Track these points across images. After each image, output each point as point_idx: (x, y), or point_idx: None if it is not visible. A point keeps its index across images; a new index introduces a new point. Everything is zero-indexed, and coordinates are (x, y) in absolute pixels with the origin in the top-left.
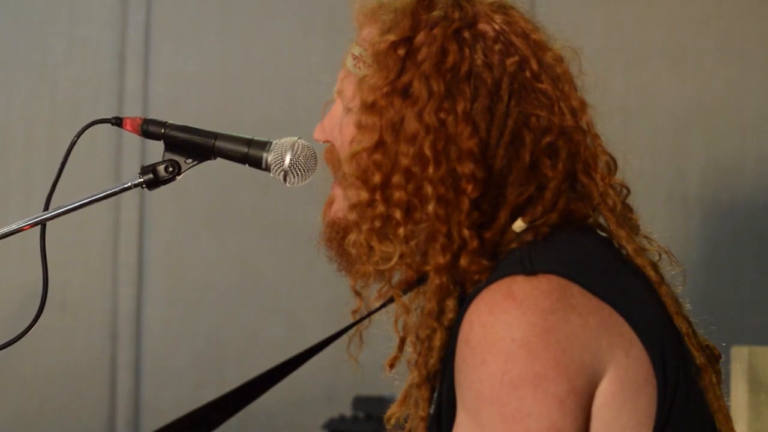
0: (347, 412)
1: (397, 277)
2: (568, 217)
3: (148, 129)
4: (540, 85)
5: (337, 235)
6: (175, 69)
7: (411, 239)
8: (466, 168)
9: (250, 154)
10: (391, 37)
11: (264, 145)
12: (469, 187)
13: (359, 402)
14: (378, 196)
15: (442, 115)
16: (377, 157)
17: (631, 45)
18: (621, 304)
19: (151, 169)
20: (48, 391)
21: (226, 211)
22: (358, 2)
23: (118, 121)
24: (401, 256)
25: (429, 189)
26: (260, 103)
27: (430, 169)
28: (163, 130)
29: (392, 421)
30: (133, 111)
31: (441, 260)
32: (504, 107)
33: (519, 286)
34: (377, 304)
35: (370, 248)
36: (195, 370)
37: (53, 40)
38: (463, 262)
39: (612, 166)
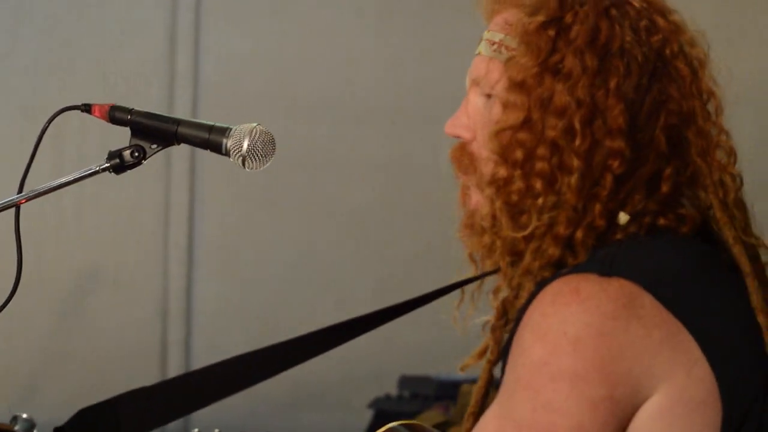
0: (393, 391)
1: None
2: (676, 216)
3: (115, 115)
4: (678, 64)
5: (477, 220)
6: (226, 50)
7: (548, 211)
8: (616, 144)
9: (210, 139)
10: (540, 18)
11: (224, 131)
12: (615, 163)
13: (405, 381)
14: (517, 173)
15: (594, 90)
16: (521, 134)
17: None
18: (694, 321)
19: (118, 153)
20: (101, 369)
21: (276, 191)
22: None
23: (87, 108)
24: (535, 227)
25: (574, 161)
26: (312, 84)
27: (577, 142)
28: (129, 117)
29: (464, 371)
30: (183, 93)
31: (562, 231)
32: (647, 85)
33: (588, 284)
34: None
35: (499, 221)
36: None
37: (106, 23)
38: (579, 235)
39: (732, 155)
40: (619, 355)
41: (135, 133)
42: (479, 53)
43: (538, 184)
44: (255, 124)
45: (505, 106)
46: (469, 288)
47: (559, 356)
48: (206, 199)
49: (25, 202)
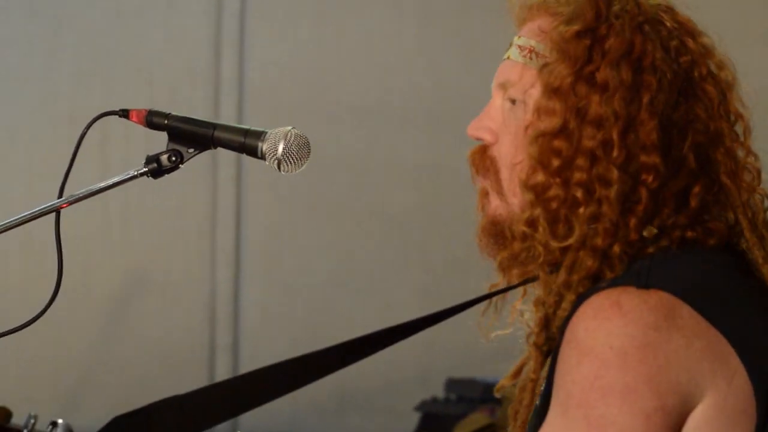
0: (439, 394)
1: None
2: (703, 232)
3: (153, 120)
4: (706, 86)
5: (497, 229)
6: (271, 56)
7: (592, 221)
8: (651, 159)
9: (246, 143)
10: (576, 27)
11: (259, 135)
12: (650, 178)
13: (452, 384)
14: (556, 180)
15: (628, 104)
16: (558, 142)
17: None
18: (732, 332)
19: (155, 158)
20: (148, 374)
21: (322, 196)
22: None
23: (125, 113)
24: (579, 237)
25: (614, 173)
26: (355, 91)
27: (615, 154)
28: (166, 121)
29: (501, 392)
30: (229, 99)
31: (600, 243)
32: (674, 102)
33: (628, 297)
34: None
35: (536, 228)
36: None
37: (150, 30)
38: (616, 249)
39: (756, 177)
40: (666, 365)
41: (172, 138)
42: (508, 57)
43: (579, 194)
44: (290, 128)
45: (540, 111)
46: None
47: (608, 370)
48: (252, 204)
49: (66, 206)
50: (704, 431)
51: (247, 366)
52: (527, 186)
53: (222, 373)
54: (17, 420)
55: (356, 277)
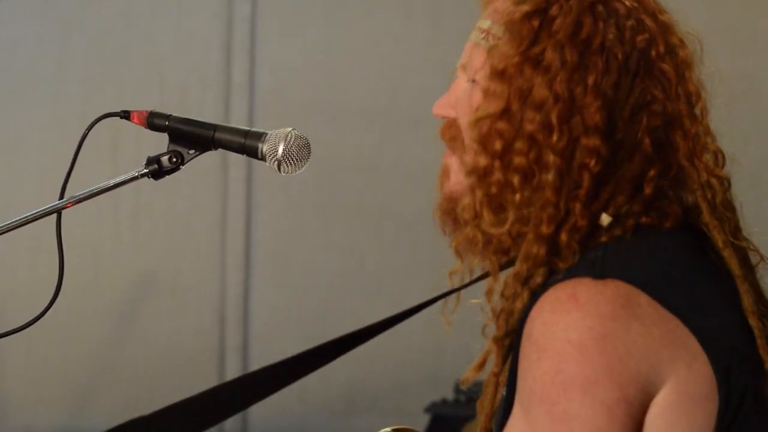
0: (449, 395)
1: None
2: (658, 215)
3: (154, 122)
4: (663, 66)
5: (454, 207)
6: (281, 60)
7: (525, 207)
8: (591, 141)
9: (246, 144)
10: (526, 8)
11: (260, 136)
12: (592, 162)
13: (461, 385)
14: (497, 163)
15: (572, 86)
16: (501, 124)
17: (735, 28)
18: (691, 317)
19: (156, 159)
20: (159, 375)
21: (331, 198)
22: None
23: (126, 115)
24: (513, 223)
25: (551, 157)
26: (365, 94)
27: (554, 138)
28: (167, 123)
29: (466, 385)
30: (239, 102)
31: (545, 230)
32: (629, 83)
33: (584, 288)
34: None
35: (480, 214)
36: None
37: (161, 33)
38: (564, 237)
39: (720, 158)
40: (626, 355)
41: (173, 139)
42: (469, 40)
43: (516, 179)
44: (290, 129)
45: (486, 93)
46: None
47: (568, 364)
48: (262, 206)
49: (70, 207)
50: (667, 417)
51: (256, 366)
52: (470, 169)
53: (232, 375)
54: (24, 420)
55: (366, 278)
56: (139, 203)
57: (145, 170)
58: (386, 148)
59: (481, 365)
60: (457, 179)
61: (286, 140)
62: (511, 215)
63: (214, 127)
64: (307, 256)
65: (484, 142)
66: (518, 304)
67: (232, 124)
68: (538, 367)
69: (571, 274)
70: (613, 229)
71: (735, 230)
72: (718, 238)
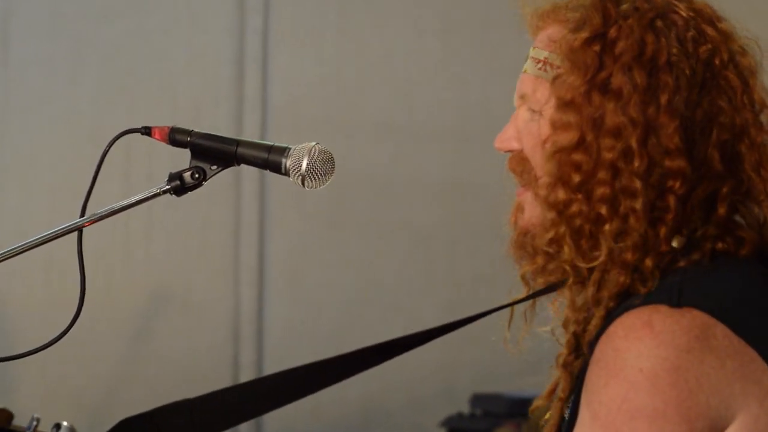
0: (465, 409)
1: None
2: (734, 242)
3: (175, 137)
4: (727, 74)
5: (529, 241)
6: (294, 74)
7: (620, 236)
8: (676, 164)
9: (270, 159)
10: (584, 34)
11: (283, 151)
12: (677, 184)
13: (477, 399)
14: (579, 196)
15: (646, 108)
16: (577, 156)
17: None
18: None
19: (178, 175)
20: (173, 393)
21: (345, 212)
22: (529, 7)
23: (147, 131)
24: (607, 254)
25: (637, 184)
26: (378, 107)
27: (636, 163)
28: (188, 138)
29: (536, 413)
30: (252, 116)
31: (630, 258)
32: (697, 97)
33: (660, 316)
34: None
35: (562, 247)
36: None
37: (173, 48)
38: (648, 263)
39: None
40: (697, 388)
41: (195, 155)
42: (525, 71)
43: (603, 210)
44: (314, 143)
45: (556, 126)
46: (520, 308)
47: (637, 393)
48: (275, 221)
49: (89, 225)
50: None
51: None
52: (548, 204)
53: None
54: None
55: (381, 293)
56: (152, 219)
57: (168, 186)
58: (400, 162)
59: (552, 392)
60: (532, 213)
61: (310, 155)
62: (604, 247)
63: (237, 143)
64: (322, 272)
65: (562, 176)
66: (590, 329)
67: (250, 140)
68: (606, 392)
69: (648, 300)
70: (691, 253)
71: None
72: None
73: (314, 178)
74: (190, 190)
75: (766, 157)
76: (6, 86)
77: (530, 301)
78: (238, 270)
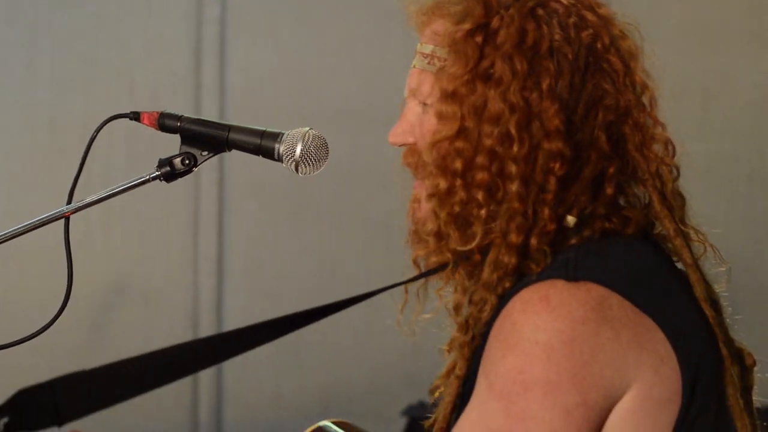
0: (426, 398)
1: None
2: (620, 221)
3: (165, 123)
4: (610, 58)
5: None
6: (252, 62)
7: (492, 220)
8: (554, 145)
9: (262, 145)
10: (467, 26)
11: (276, 136)
12: (557, 165)
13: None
14: (458, 182)
15: (526, 94)
16: (458, 144)
17: (708, 25)
18: (662, 317)
19: (168, 161)
20: None
21: (304, 203)
22: (413, 5)
23: (136, 116)
24: (481, 237)
25: (513, 168)
26: (337, 95)
27: (515, 148)
28: (178, 124)
29: (436, 394)
30: (210, 105)
31: (514, 239)
32: (581, 81)
33: (556, 291)
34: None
35: (446, 234)
36: (276, 360)
37: (130, 36)
38: (534, 242)
39: (670, 147)
40: (591, 360)
41: (185, 141)
42: (414, 66)
43: (480, 195)
44: (307, 129)
45: (440, 117)
46: (413, 289)
47: (532, 365)
48: (235, 210)
49: (71, 213)
50: (629, 422)
51: (230, 373)
52: (431, 193)
53: (206, 381)
54: None
55: (340, 283)
56: (111, 208)
57: (157, 173)
58: (359, 150)
59: (449, 372)
60: (427, 206)
61: (303, 140)
62: (479, 230)
63: (228, 128)
64: (281, 261)
65: (443, 164)
66: (486, 310)
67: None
68: (503, 364)
69: (545, 276)
70: (582, 230)
71: (682, 219)
72: (669, 226)
73: (308, 164)
74: (181, 176)
75: (648, 138)
76: None
77: (422, 283)
78: (196, 260)
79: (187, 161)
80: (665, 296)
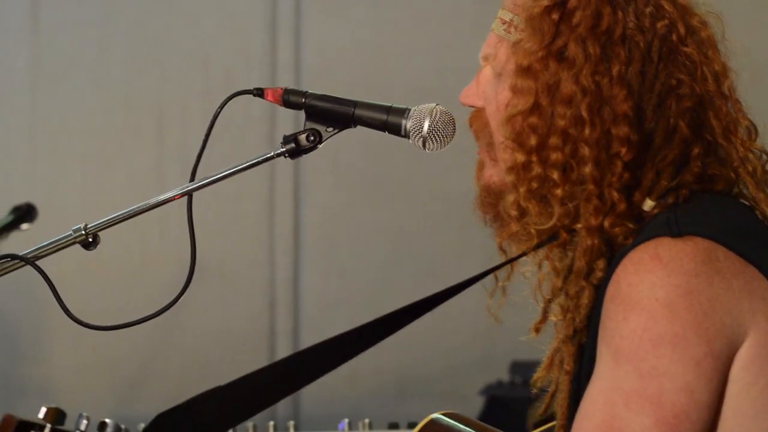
0: (504, 377)
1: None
2: (708, 182)
3: (289, 99)
4: (685, 49)
5: (492, 198)
6: (326, 39)
7: (568, 200)
8: (621, 131)
9: (389, 121)
10: (545, 2)
11: (403, 112)
12: (623, 150)
13: (516, 367)
14: (534, 158)
15: (597, 78)
16: (533, 119)
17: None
18: (766, 266)
19: (293, 138)
20: (208, 360)
21: (379, 180)
22: None
23: (259, 92)
24: (559, 216)
25: (586, 150)
26: (410, 71)
27: (587, 131)
28: (303, 100)
29: (538, 385)
30: (285, 81)
31: (593, 222)
32: (654, 70)
33: (665, 247)
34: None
35: (526, 209)
36: None
37: (205, 14)
38: (607, 223)
39: (753, 131)
40: (711, 310)
41: (309, 116)
42: (492, 30)
43: (555, 174)
44: (434, 104)
45: (514, 90)
46: (500, 276)
47: (656, 321)
48: (310, 188)
49: (197, 190)
50: (750, 370)
51: None
52: (509, 167)
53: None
54: (73, 409)
55: (415, 260)
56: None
57: (282, 149)
58: None
59: (550, 365)
60: (491, 171)
61: (431, 116)
62: (556, 209)
63: (354, 104)
64: (356, 238)
65: (519, 139)
66: (584, 300)
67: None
68: (626, 326)
69: (649, 235)
70: (667, 198)
71: None
72: (767, 209)
73: (436, 140)
74: (305, 153)
75: (733, 125)
76: (36, 52)
77: (508, 269)
78: (273, 238)
79: (312, 137)
80: (764, 245)
